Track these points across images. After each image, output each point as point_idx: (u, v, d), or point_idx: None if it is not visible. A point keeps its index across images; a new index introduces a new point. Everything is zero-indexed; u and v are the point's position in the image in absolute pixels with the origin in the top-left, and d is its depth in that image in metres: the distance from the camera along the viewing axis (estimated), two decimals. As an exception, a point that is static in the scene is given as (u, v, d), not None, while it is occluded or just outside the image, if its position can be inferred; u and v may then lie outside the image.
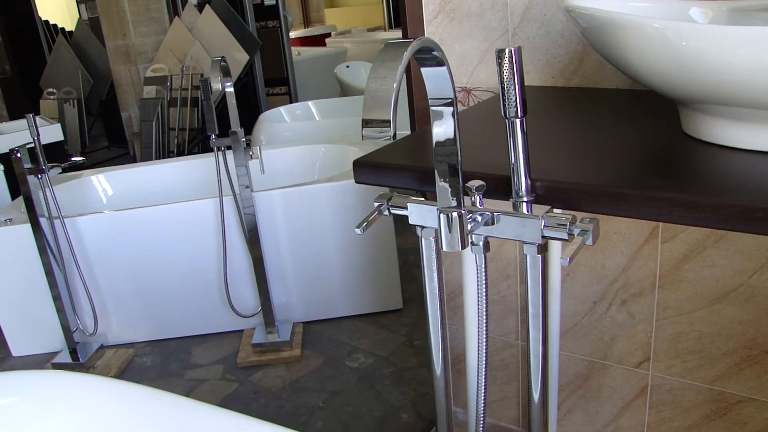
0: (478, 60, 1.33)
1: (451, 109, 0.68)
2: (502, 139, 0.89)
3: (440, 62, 0.64)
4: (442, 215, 0.70)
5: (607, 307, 1.36)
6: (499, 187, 0.76)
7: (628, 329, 1.36)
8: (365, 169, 0.90)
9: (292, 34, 6.44)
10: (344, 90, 4.28)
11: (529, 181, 0.73)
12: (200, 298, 2.38)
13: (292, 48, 5.33)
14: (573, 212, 0.74)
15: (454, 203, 0.72)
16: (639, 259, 1.29)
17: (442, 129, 0.69)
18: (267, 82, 4.29)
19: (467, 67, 1.35)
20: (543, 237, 0.71)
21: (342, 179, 2.28)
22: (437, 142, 0.70)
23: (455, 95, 0.67)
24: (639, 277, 1.30)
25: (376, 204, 0.84)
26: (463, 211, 0.71)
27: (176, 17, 4.30)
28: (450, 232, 0.71)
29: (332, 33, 6.39)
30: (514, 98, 0.69)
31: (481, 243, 0.77)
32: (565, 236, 0.69)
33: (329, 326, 2.42)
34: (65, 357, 2.34)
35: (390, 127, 0.56)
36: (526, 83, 1.29)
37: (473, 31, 1.32)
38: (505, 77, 0.68)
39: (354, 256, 2.36)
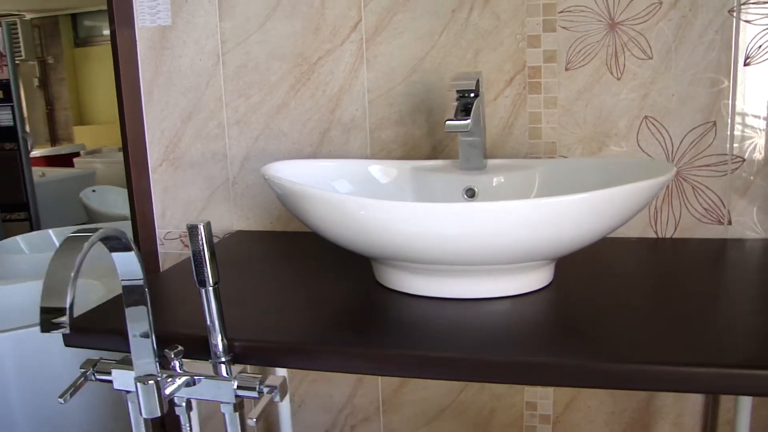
0: (203, 206, 1.39)
1: (142, 289, 0.71)
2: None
3: (127, 248, 0.68)
4: (139, 384, 0.73)
5: (338, 434, 1.43)
6: (200, 347, 0.80)
7: (362, 452, 1.44)
8: (73, 333, 0.90)
9: (37, 153, 6.07)
10: (90, 216, 4.11)
11: (225, 342, 0.78)
12: None
13: (37, 168, 5.02)
14: (272, 368, 0.80)
15: (150, 371, 0.75)
16: (362, 387, 1.38)
17: (134, 310, 0.73)
18: (4, 208, 4.00)
19: (192, 213, 1.40)
20: (237, 396, 0.76)
21: (80, 317, 2.17)
22: (130, 318, 0.73)
23: (145, 277, 0.71)
24: (364, 403, 1.39)
25: (81, 370, 0.84)
26: (159, 378, 0.73)
27: None
28: (148, 399, 0.73)
29: (81, 152, 6.14)
30: (204, 270, 0.74)
31: (183, 404, 0.80)
32: (256, 395, 0.75)
33: (69, 476, 2.23)
34: None
35: (66, 316, 0.58)
36: (248, 228, 1.37)
37: (196, 179, 1.38)
38: (196, 251, 0.74)
39: (96, 399, 2.23)
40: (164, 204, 1.41)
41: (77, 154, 6.05)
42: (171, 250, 1.43)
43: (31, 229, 3.96)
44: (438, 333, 0.79)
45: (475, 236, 0.80)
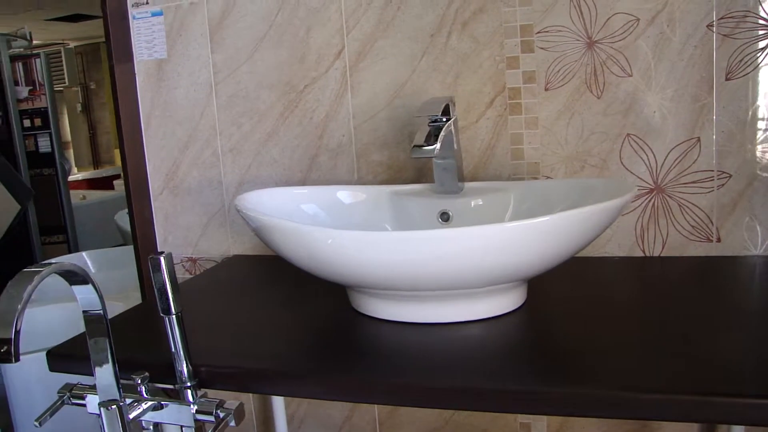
0: (201, 232, 1.43)
1: (102, 319, 0.75)
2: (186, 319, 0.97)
3: (84, 281, 0.72)
4: (102, 408, 0.76)
5: (338, 454, 1.45)
6: (167, 373, 0.83)
7: (364, 471, 1.45)
8: (59, 359, 0.94)
9: (80, 176, 6.28)
10: (125, 238, 4.23)
11: (190, 368, 0.81)
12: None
13: (78, 191, 5.18)
14: (239, 393, 0.83)
15: (113, 396, 0.78)
16: (360, 407, 1.40)
17: (96, 338, 0.76)
18: (43, 230, 4.14)
19: (191, 239, 1.44)
20: (196, 421, 0.79)
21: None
22: (92, 347, 0.77)
23: (104, 308, 0.75)
24: (362, 423, 1.41)
25: (59, 394, 0.88)
26: (122, 403, 0.77)
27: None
28: (111, 423, 0.77)
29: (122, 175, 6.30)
30: (166, 299, 0.78)
31: (150, 427, 0.83)
32: (213, 419, 0.77)
33: (95, 493, 2.29)
34: None
35: (10, 346, 0.62)
36: (244, 252, 1.40)
37: (194, 206, 1.42)
38: (159, 281, 0.77)
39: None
40: (166, 230, 1.46)
41: (118, 176, 6.23)
42: (174, 274, 1.47)
43: (69, 252, 4.08)
44: (404, 359, 0.80)
45: (432, 263, 0.81)
